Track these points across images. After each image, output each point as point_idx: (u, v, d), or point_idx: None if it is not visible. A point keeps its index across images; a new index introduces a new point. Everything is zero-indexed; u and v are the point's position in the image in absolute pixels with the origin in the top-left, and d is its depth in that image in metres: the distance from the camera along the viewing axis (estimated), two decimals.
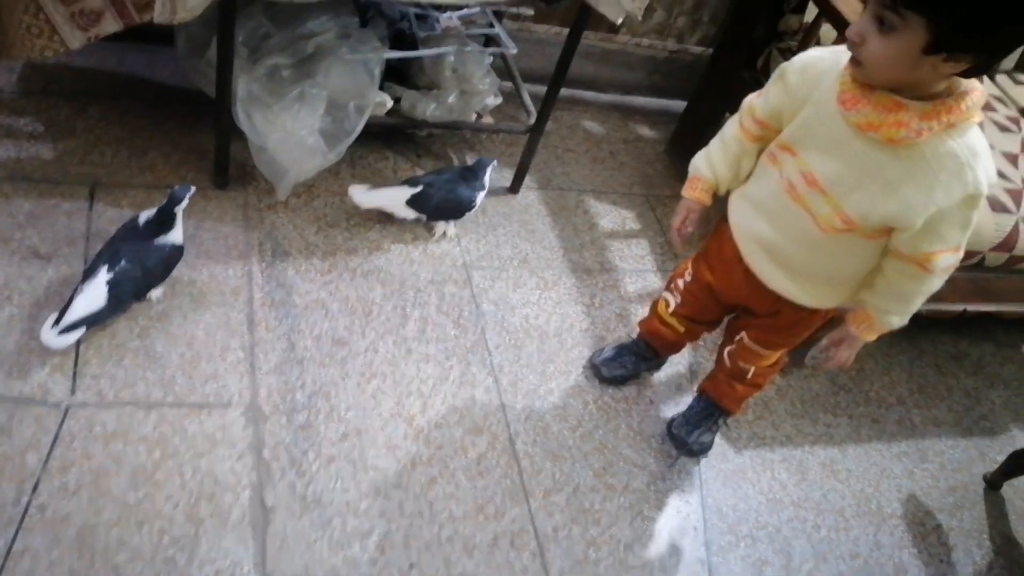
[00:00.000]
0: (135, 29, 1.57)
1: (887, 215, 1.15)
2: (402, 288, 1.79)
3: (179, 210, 1.50)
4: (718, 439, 1.74)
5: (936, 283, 1.22)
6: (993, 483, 1.90)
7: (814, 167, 1.20)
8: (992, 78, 2.30)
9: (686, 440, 1.68)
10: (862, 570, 1.65)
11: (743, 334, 1.54)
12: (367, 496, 1.44)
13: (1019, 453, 1.85)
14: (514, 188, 2.11)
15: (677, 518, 1.61)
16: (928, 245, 1.16)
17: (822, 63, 1.20)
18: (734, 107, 1.39)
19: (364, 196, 1.84)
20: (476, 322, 1.79)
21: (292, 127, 1.70)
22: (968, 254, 1.83)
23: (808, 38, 1.93)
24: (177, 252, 1.54)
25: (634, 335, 1.80)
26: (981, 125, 1.13)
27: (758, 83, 1.35)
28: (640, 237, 2.15)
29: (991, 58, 1.05)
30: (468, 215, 1.92)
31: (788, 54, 1.95)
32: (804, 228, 1.25)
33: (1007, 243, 1.85)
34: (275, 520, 1.36)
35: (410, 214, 1.85)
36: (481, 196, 1.89)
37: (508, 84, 2.09)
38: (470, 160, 1.93)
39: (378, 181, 1.91)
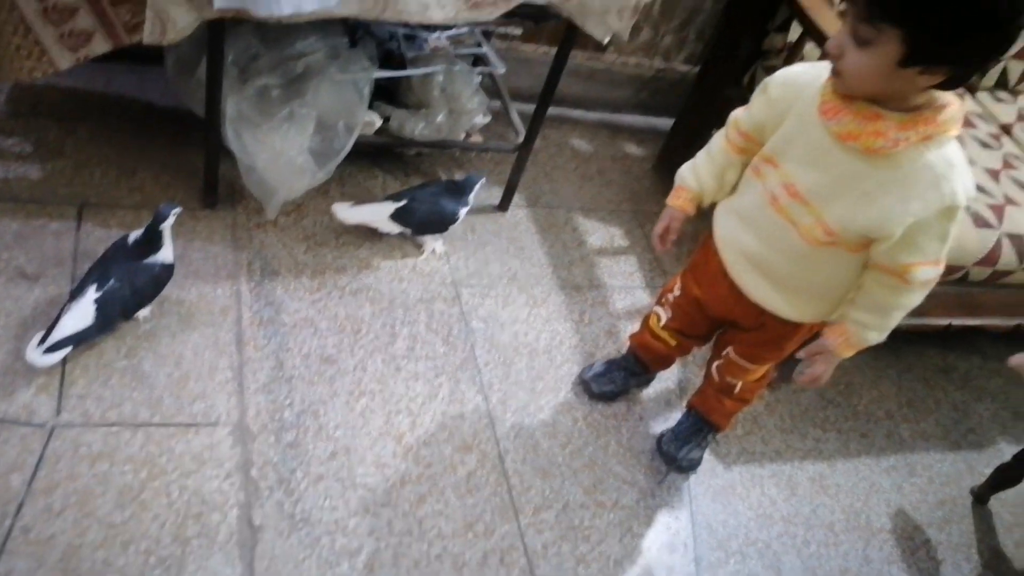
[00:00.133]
0: (124, 49, 1.58)
1: (865, 225, 1.17)
2: (391, 306, 1.79)
3: (165, 228, 1.49)
4: (708, 455, 1.75)
5: (915, 297, 1.23)
6: (981, 497, 1.91)
7: (796, 178, 1.22)
8: (973, 95, 2.33)
9: (675, 456, 1.68)
10: None
11: (729, 348, 1.55)
12: (356, 514, 1.43)
13: (1006, 466, 1.86)
14: (503, 206, 2.12)
15: (667, 534, 1.61)
16: (906, 256, 1.17)
17: (804, 77, 1.22)
18: (720, 124, 1.41)
19: (347, 212, 1.85)
20: (465, 339, 1.79)
21: (281, 146, 1.71)
22: (952, 269, 1.86)
23: (792, 56, 1.96)
24: (167, 272, 1.54)
25: (623, 351, 1.81)
26: (962, 140, 1.15)
27: (744, 100, 1.37)
28: (629, 254, 2.16)
29: (966, 70, 1.06)
30: (456, 232, 1.93)
31: (773, 72, 1.97)
32: (788, 240, 1.26)
33: (990, 258, 1.87)
34: (263, 539, 1.35)
35: (394, 228, 1.86)
36: (465, 211, 1.90)
37: (497, 103, 2.11)
38: (458, 176, 1.93)
39: (364, 199, 1.91)
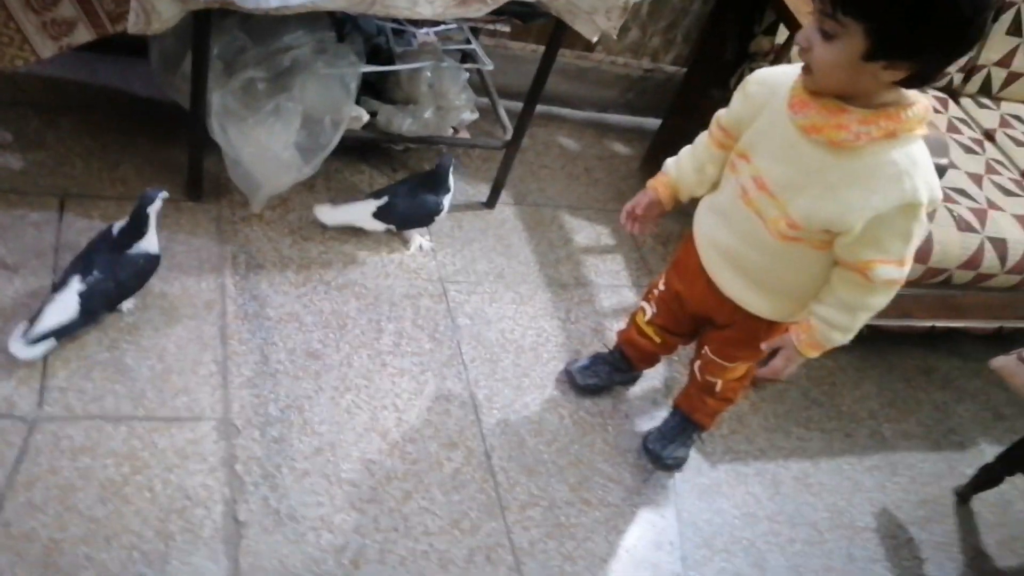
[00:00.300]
0: (108, 40, 1.56)
1: (827, 218, 1.18)
2: (377, 302, 1.78)
3: (151, 212, 1.47)
4: (693, 453, 1.75)
5: (880, 298, 1.23)
6: (963, 496, 1.93)
7: (764, 171, 1.24)
8: (957, 101, 2.36)
9: (660, 454, 1.68)
10: None
11: (707, 347, 1.56)
12: (341, 511, 1.42)
13: (989, 467, 1.87)
14: (490, 203, 2.11)
15: (652, 532, 1.61)
16: (867, 252, 1.18)
17: (781, 76, 1.24)
18: (706, 126, 1.42)
19: (329, 214, 1.84)
20: (452, 336, 1.78)
21: (267, 141, 1.70)
22: (935, 272, 1.87)
23: (779, 59, 1.97)
24: (152, 262, 1.52)
25: (610, 347, 1.81)
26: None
27: (729, 103, 1.39)
28: (615, 252, 2.16)
29: (930, 67, 1.08)
30: (443, 228, 1.92)
31: None
32: (756, 233, 1.28)
33: (973, 261, 1.89)
34: (248, 535, 1.34)
35: (378, 226, 1.85)
36: (448, 199, 1.89)
37: (484, 100, 2.10)
38: (428, 167, 1.92)
39: (348, 196, 1.90)
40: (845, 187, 1.16)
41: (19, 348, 1.38)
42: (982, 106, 2.37)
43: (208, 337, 1.58)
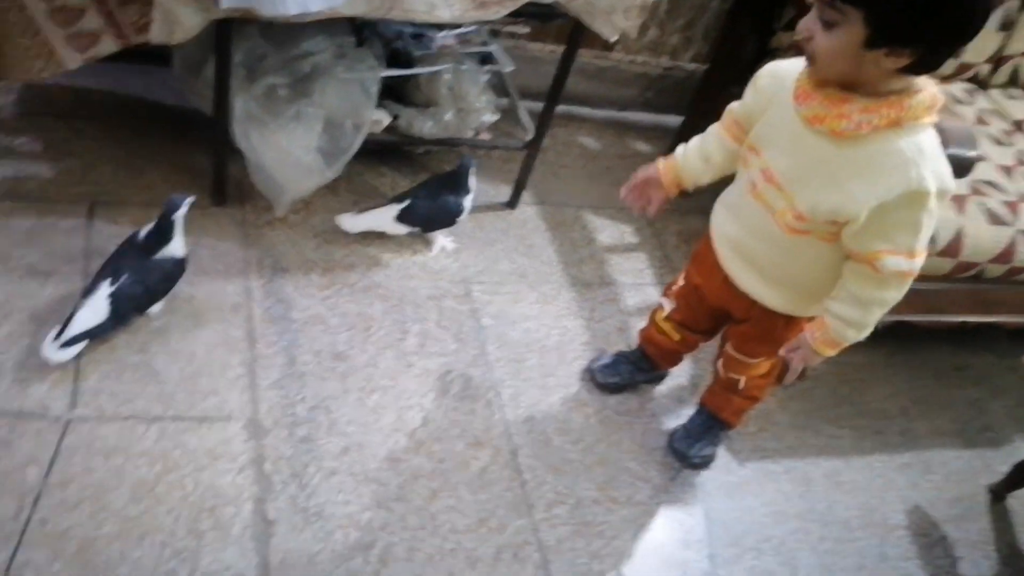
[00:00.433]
0: (132, 49, 1.58)
1: (832, 208, 1.17)
2: (401, 303, 1.79)
3: (177, 218, 1.49)
4: (721, 451, 1.73)
5: (891, 292, 1.21)
6: (998, 494, 1.89)
7: (772, 164, 1.24)
8: (986, 93, 2.32)
9: (686, 454, 1.67)
10: None
11: (728, 343, 1.55)
12: (369, 509, 1.43)
13: None
14: (512, 203, 2.11)
15: (681, 530, 1.59)
16: (874, 243, 1.16)
17: (789, 69, 1.24)
18: None
19: (353, 221, 1.84)
20: (476, 336, 1.78)
21: (289, 146, 1.71)
22: (967, 265, 1.85)
23: (800, 55, 1.95)
24: (178, 266, 1.54)
25: (634, 346, 1.80)
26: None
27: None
28: (638, 251, 2.15)
29: (932, 52, 1.06)
30: (465, 229, 1.93)
31: None
32: (766, 226, 1.27)
33: (1005, 255, 1.85)
34: (277, 533, 1.35)
35: (402, 229, 1.86)
36: (469, 200, 1.89)
37: (504, 101, 2.11)
38: (448, 168, 1.92)
39: (369, 202, 1.90)
40: (848, 177, 1.15)
41: (51, 351, 1.40)
42: (1011, 97, 2.33)
43: (235, 340, 1.60)
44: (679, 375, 1.86)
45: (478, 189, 1.93)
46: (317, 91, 1.74)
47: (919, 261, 1.18)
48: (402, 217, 1.84)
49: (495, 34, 2.05)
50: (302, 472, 1.44)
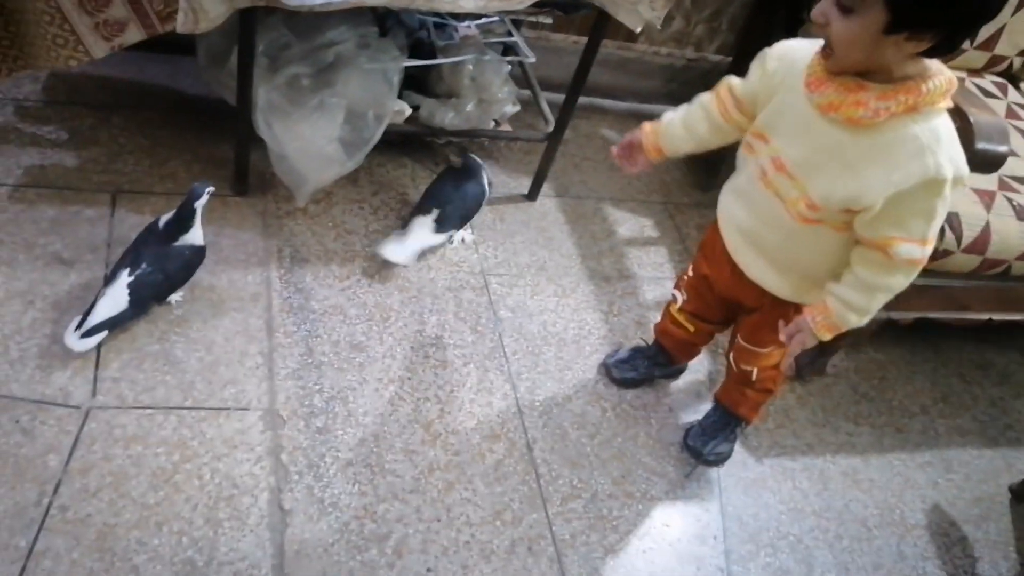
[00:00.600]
0: (157, 39, 1.59)
1: (846, 196, 1.15)
2: (419, 294, 1.79)
3: (198, 206, 1.50)
4: (738, 447, 1.73)
5: (900, 279, 1.19)
6: (1020, 494, 1.87)
7: (782, 152, 1.21)
8: (1017, 87, 2.28)
9: (701, 451, 1.67)
10: None
11: (739, 335, 1.54)
12: (384, 500, 1.44)
13: None
14: (532, 196, 2.11)
15: (697, 526, 1.59)
16: (888, 230, 1.14)
17: (799, 52, 1.21)
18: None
19: (401, 253, 1.77)
20: (494, 328, 1.78)
21: (311, 135, 1.72)
22: (993, 263, 1.82)
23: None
24: (198, 254, 1.55)
25: (651, 341, 1.79)
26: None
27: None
28: (659, 245, 2.14)
29: (953, 35, 1.04)
30: (485, 221, 1.93)
31: None
32: (776, 215, 1.26)
33: None
34: (293, 523, 1.36)
35: (442, 237, 1.84)
36: (488, 190, 1.89)
37: (526, 92, 2.10)
38: (454, 159, 1.90)
39: (398, 230, 1.85)
40: (864, 164, 1.13)
41: (73, 340, 1.42)
42: None
43: (254, 329, 1.61)
44: (696, 370, 1.85)
45: (498, 180, 1.93)
46: (340, 81, 1.74)
47: (930, 249, 1.17)
48: (440, 227, 1.82)
49: (518, 25, 2.04)
50: (319, 462, 1.45)
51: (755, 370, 1.56)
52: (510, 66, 2.00)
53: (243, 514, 1.35)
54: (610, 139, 2.41)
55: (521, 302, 1.86)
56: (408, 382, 1.63)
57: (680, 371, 1.83)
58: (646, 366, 1.76)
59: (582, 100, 1.97)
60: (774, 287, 1.36)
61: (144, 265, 1.46)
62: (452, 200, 1.84)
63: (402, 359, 1.66)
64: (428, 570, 1.37)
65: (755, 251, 1.35)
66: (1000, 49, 2.18)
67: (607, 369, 1.77)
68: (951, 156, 1.10)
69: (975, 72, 2.21)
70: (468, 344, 1.74)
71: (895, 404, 1.98)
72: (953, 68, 1.12)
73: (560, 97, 1.94)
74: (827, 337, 1.26)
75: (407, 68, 1.82)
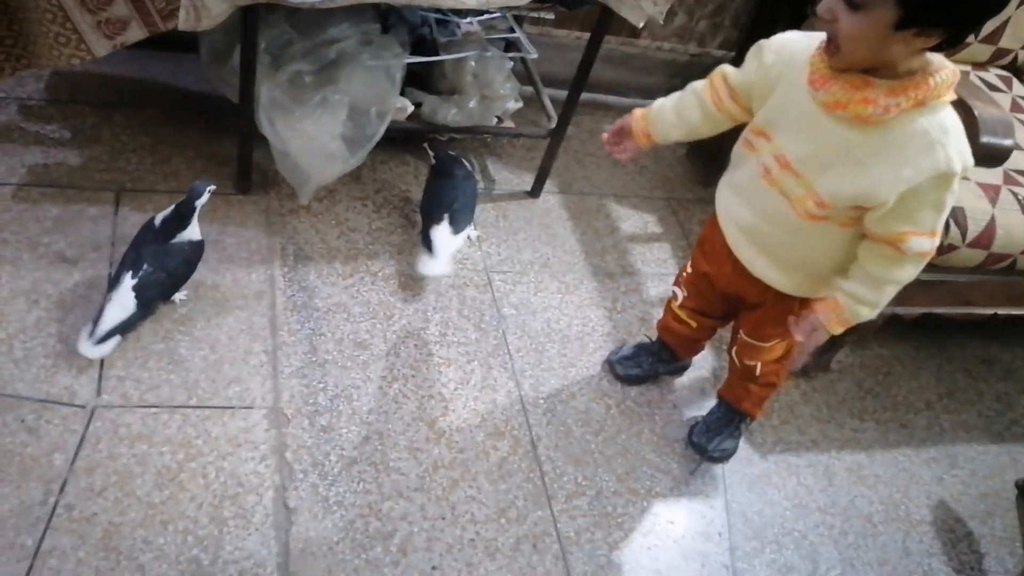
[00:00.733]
0: (159, 37, 1.59)
1: (857, 194, 1.15)
2: (423, 292, 1.79)
3: (199, 205, 1.50)
4: (743, 443, 1.72)
5: (910, 271, 1.20)
6: None
7: (787, 149, 1.21)
8: (1022, 80, 2.27)
9: (706, 447, 1.66)
10: None
11: (741, 330, 1.54)
12: (389, 498, 1.44)
13: None
14: (535, 192, 2.10)
15: (701, 523, 1.59)
16: (901, 225, 1.15)
17: (796, 45, 1.20)
18: None
19: (439, 266, 1.75)
20: (497, 326, 1.78)
21: (314, 133, 1.72)
22: (999, 257, 1.81)
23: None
24: (197, 249, 1.55)
25: (655, 337, 1.79)
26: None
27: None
28: (662, 241, 2.14)
29: (961, 30, 1.04)
30: (488, 218, 1.94)
31: None
32: (781, 213, 1.25)
33: None
34: (298, 521, 1.36)
35: (463, 237, 1.81)
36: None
37: (529, 88, 2.09)
38: (435, 160, 1.88)
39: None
40: (874, 162, 1.12)
41: (88, 348, 1.43)
42: None
43: (258, 327, 1.61)
44: (700, 366, 1.85)
45: (500, 177, 1.93)
46: (343, 78, 1.73)
47: (938, 239, 1.18)
48: (456, 226, 1.79)
49: (520, 20, 2.04)
50: (323, 461, 1.45)
51: (758, 365, 1.55)
52: (512, 62, 1.99)
53: (248, 512, 1.35)
54: None
55: (525, 299, 1.86)
56: (412, 380, 1.63)
57: (684, 367, 1.82)
58: (650, 362, 1.76)
59: (585, 96, 1.96)
60: (778, 283, 1.36)
61: (145, 266, 1.46)
62: (456, 200, 1.83)
63: (406, 357, 1.66)
64: (433, 568, 1.37)
65: (757, 248, 1.34)
66: (1005, 42, 2.17)
67: (611, 366, 1.77)
68: (959, 149, 1.10)
69: (980, 66, 2.20)
70: (472, 341, 1.73)
71: (900, 400, 1.98)
72: (958, 62, 1.12)
73: (563, 93, 1.93)
74: (839, 331, 1.27)
75: (409, 65, 1.82)
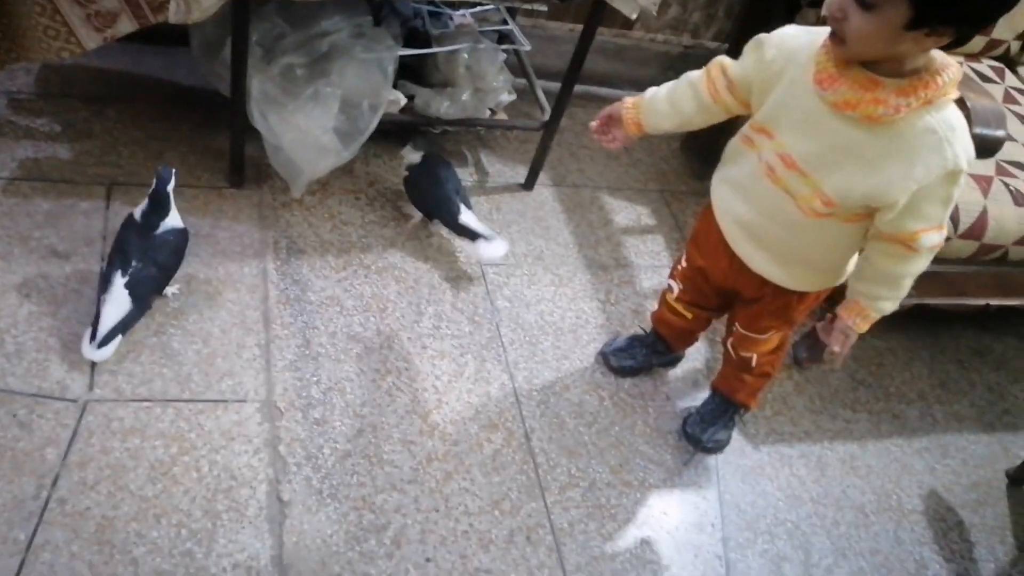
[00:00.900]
0: (150, 30, 1.59)
1: (867, 194, 1.15)
2: (416, 285, 1.79)
3: (170, 190, 1.48)
4: (736, 435, 1.73)
5: (923, 263, 1.21)
6: (1016, 479, 1.87)
7: (792, 148, 1.20)
8: (1014, 71, 2.27)
9: (700, 438, 1.67)
10: (882, 566, 1.63)
11: (737, 323, 1.54)
12: (383, 491, 1.44)
13: None
14: (528, 185, 2.10)
15: (694, 514, 1.60)
16: (912, 224, 1.15)
17: (798, 41, 1.19)
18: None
19: (499, 248, 1.82)
20: (491, 318, 1.78)
21: (307, 126, 1.71)
22: (991, 248, 1.82)
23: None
24: (182, 236, 1.54)
25: (649, 329, 1.79)
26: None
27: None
28: (655, 233, 2.14)
29: (972, 29, 1.04)
30: (481, 209, 1.94)
31: None
32: (785, 211, 1.25)
33: None
34: (292, 514, 1.37)
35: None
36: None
37: (522, 81, 2.09)
38: (415, 157, 1.89)
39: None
40: (884, 161, 1.12)
41: (92, 352, 1.42)
42: None
43: (251, 321, 1.61)
44: (694, 358, 1.85)
45: (494, 170, 1.93)
46: (335, 71, 1.73)
47: (946, 232, 1.20)
48: (469, 207, 1.86)
49: (513, 13, 2.03)
50: (316, 454, 1.45)
51: (755, 356, 1.56)
52: (506, 55, 1.99)
53: (241, 506, 1.35)
54: None
55: (518, 292, 1.86)
56: (405, 373, 1.63)
57: (678, 359, 1.83)
58: (644, 354, 1.76)
59: (578, 88, 1.96)
60: (776, 278, 1.36)
61: (134, 262, 1.45)
62: (458, 189, 1.85)
63: (399, 350, 1.66)
64: (427, 560, 1.38)
65: (755, 244, 1.34)
66: (998, 33, 2.18)
67: (605, 358, 1.77)
68: (965, 145, 1.11)
69: (972, 56, 2.20)
70: (465, 334, 1.73)
71: (892, 391, 1.98)
72: (950, 52, 1.12)
73: (556, 85, 1.93)
74: (866, 328, 1.29)
75: (402, 57, 1.81)
